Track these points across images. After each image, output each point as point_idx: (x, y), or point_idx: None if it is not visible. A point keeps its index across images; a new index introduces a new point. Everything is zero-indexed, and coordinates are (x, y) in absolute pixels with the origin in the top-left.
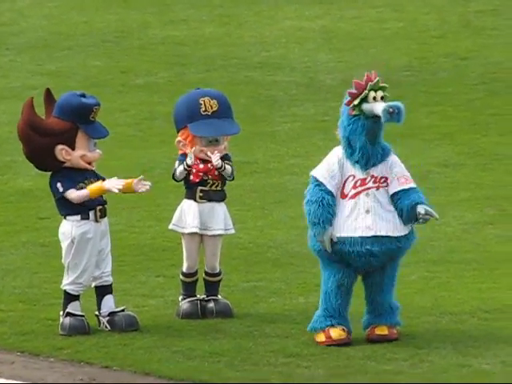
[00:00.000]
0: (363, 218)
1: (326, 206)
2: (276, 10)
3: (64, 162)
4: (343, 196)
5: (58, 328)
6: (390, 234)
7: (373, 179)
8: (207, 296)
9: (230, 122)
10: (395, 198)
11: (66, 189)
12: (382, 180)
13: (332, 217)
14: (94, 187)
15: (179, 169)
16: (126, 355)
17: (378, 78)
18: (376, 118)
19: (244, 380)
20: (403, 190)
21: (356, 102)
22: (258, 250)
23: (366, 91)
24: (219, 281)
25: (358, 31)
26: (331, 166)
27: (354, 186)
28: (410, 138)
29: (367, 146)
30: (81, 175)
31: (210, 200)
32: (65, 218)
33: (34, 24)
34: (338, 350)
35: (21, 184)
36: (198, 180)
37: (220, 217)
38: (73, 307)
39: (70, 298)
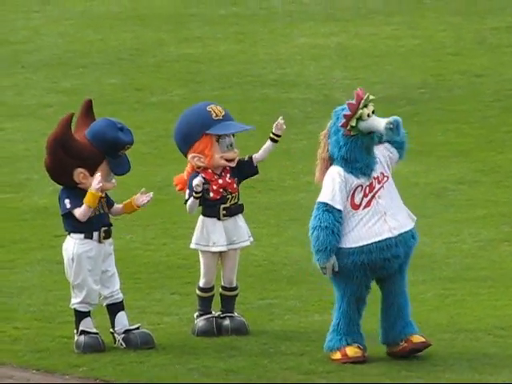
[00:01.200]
0: (383, 222)
1: (336, 234)
2: (291, 28)
3: (78, 183)
4: (356, 207)
5: (73, 346)
6: (408, 227)
7: (376, 180)
8: (223, 312)
9: (238, 122)
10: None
11: (73, 206)
12: (382, 177)
13: (337, 245)
14: (86, 197)
15: (189, 201)
16: (142, 372)
17: (367, 94)
18: (371, 133)
19: None
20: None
21: (353, 123)
22: (273, 268)
23: (361, 110)
24: (236, 296)
25: (373, 48)
26: (336, 186)
27: (365, 194)
28: (426, 155)
29: (368, 159)
30: None
31: (231, 215)
32: (69, 234)
33: (49, 42)
34: (353, 367)
35: (36, 202)
36: (218, 197)
37: (243, 228)
38: (86, 324)
39: (80, 315)
